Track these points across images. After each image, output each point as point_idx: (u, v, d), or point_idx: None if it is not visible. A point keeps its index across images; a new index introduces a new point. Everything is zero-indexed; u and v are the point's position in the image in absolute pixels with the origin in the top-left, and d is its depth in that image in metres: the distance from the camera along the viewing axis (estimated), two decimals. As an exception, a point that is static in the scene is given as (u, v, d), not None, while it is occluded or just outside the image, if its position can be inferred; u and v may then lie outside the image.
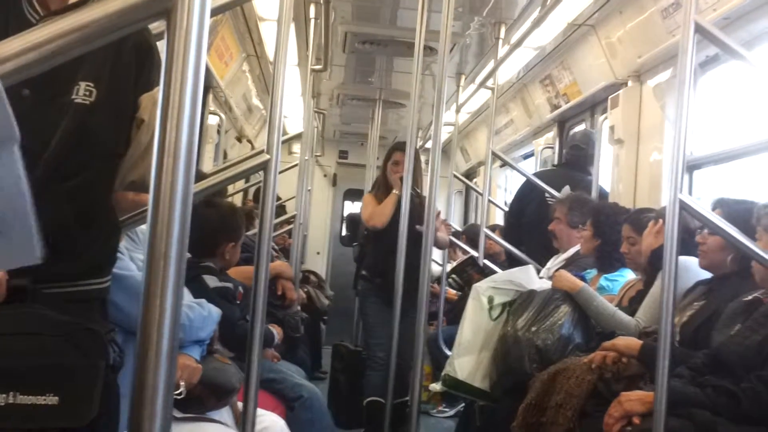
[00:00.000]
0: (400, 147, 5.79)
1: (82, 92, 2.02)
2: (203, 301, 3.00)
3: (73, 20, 1.01)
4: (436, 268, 6.43)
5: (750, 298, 3.02)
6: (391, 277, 5.00)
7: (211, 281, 3.57)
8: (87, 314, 2.07)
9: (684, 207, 2.49)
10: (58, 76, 2.03)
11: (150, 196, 1.03)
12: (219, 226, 3.71)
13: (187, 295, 3.01)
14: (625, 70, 5.49)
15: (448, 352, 5.25)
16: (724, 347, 2.91)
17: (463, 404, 5.95)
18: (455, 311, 7.18)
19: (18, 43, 0.99)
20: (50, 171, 2.00)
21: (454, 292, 7.54)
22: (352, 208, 12.61)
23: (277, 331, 3.98)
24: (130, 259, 2.69)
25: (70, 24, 1.01)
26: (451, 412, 7.04)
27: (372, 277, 5.85)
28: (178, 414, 2.82)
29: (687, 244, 3.18)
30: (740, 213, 3.22)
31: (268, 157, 2.53)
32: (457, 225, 9.56)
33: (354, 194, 12.32)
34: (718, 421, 2.68)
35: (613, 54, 5.56)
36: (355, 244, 7.20)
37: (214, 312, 3.04)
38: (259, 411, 2.87)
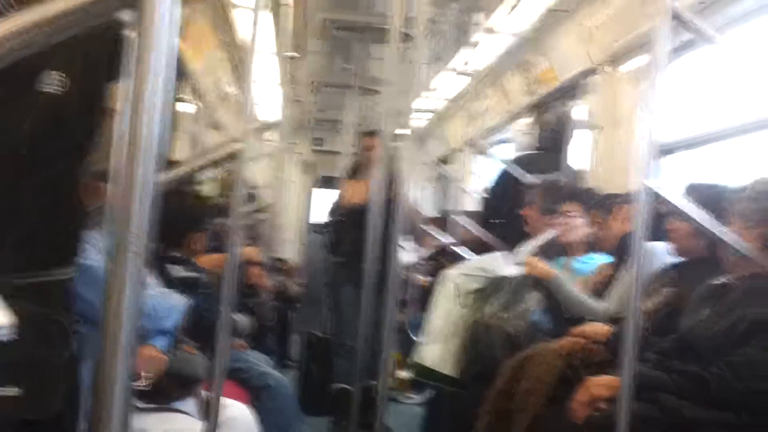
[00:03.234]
0: (370, 133, 6.11)
1: (53, 81, 1.95)
2: (168, 291, 2.94)
3: (38, 13, 0.99)
4: (408, 256, 6.33)
5: (719, 282, 2.98)
6: (356, 262, 4.98)
7: (176, 271, 3.50)
8: (51, 304, 2.02)
9: (650, 193, 2.44)
10: (27, 65, 1.96)
11: (115, 184, 1.00)
12: (184, 216, 3.65)
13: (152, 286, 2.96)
14: (601, 56, 5.45)
15: (416, 339, 5.23)
16: (693, 332, 2.88)
17: (431, 391, 5.92)
18: (426, 298, 7.14)
19: None
20: (21, 162, 1.94)
21: (424, 278, 7.49)
22: (327, 195, 12.55)
23: (245, 321, 3.92)
24: (95, 247, 2.62)
25: (35, 17, 0.99)
26: (420, 399, 6.98)
27: (346, 262, 5.80)
28: (141, 404, 2.77)
29: (656, 230, 3.14)
30: (712, 198, 3.18)
31: (240, 146, 2.51)
32: (432, 211, 9.50)
33: (329, 182, 12.25)
34: (683, 405, 2.64)
35: (591, 39, 5.51)
36: (325, 230, 7.13)
37: (180, 302, 2.98)
38: (226, 401, 2.82)
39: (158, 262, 3.31)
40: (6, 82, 1.94)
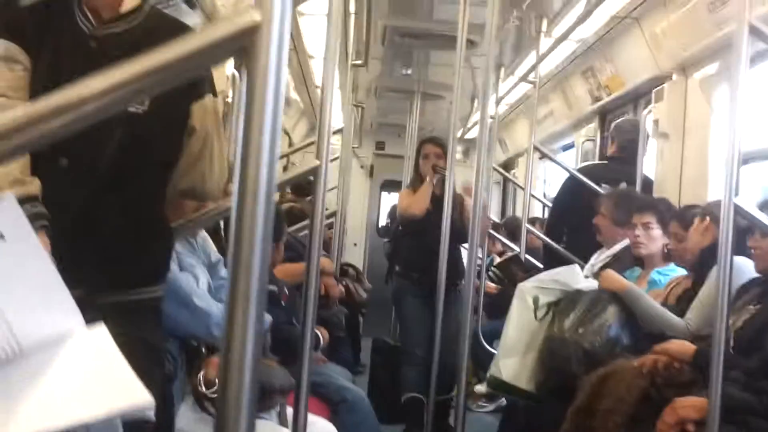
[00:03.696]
0: (428, 140, 6.03)
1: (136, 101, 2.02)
2: None
3: (152, 60, 1.03)
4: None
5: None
6: (428, 272, 5.01)
7: None
8: (141, 323, 2.08)
9: (738, 210, 2.44)
10: None
11: (232, 228, 1.02)
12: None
13: None
14: (669, 63, 5.41)
15: (489, 348, 5.25)
16: (780, 353, 2.85)
17: (503, 400, 5.92)
18: (494, 305, 7.14)
19: (101, 83, 1.01)
20: (105, 181, 2.00)
21: (494, 286, 7.49)
22: (389, 198, 12.59)
23: (321, 334, 3.95)
24: (180, 263, 2.69)
25: (149, 64, 1.03)
26: (492, 407, 7.00)
27: (408, 273, 5.82)
28: None
29: (738, 244, 3.12)
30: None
31: (318, 163, 2.53)
32: (495, 217, 9.49)
33: (391, 185, 12.28)
34: (774, 429, 2.63)
35: (658, 47, 5.48)
36: (386, 240, 7.16)
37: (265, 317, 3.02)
38: (311, 417, 2.86)
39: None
40: None
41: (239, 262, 1.02)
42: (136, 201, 2.04)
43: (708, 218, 3.86)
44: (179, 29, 2.15)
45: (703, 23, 4.78)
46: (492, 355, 5.12)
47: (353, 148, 10.40)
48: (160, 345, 2.11)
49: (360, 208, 12.45)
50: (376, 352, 6.49)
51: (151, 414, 1.11)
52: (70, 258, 1.92)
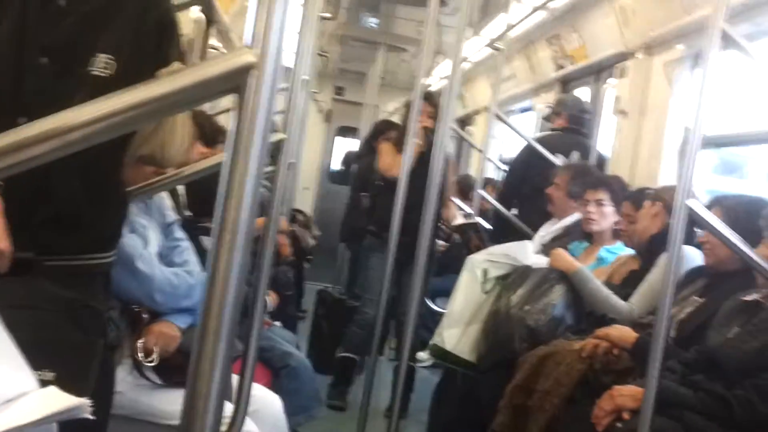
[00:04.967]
0: (426, 98, 5.42)
1: (101, 64, 1.98)
2: (196, 270, 2.94)
3: (145, 92, 1.06)
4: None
5: (749, 298, 2.99)
6: (403, 232, 4.97)
7: (209, 242, 3.48)
8: (89, 289, 2.05)
9: (691, 214, 2.47)
10: (77, 47, 1.98)
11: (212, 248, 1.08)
12: (217, 183, 3.61)
13: (192, 254, 2.97)
14: (636, 41, 5.41)
15: (432, 305, 5.29)
16: (721, 349, 2.88)
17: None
18: (441, 263, 7.17)
19: (90, 113, 1.05)
20: None
21: (441, 243, 7.51)
22: (344, 144, 12.55)
23: (271, 298, 3.93)
24: (131, 224, 2.64)
25: (143, 96, 1.06)
26: (429, 363, 7.00)
27: (381, 232, 5.69)
28: (158, 380, 2.80)
29: (687, 234, 3.15)
30: (742, 211, 3.19)
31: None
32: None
33: (348, 131, 12.24)
34: (708, 426, 2.68)
35: (626, 23, 5.48)
36: (364, 194, 7.06)
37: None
38: (256, 387, 2.85)
39: (193, 233, 3.32)
40: (62, 59, 1.97)
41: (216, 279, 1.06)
42: (93, 165, 1.98)
43: (659, 203, 3.89)
44: None
45: (673, 5, 4.79)
46: (435, 312, 5.18)
47: (312, 92, 10.34)
48: (105, 313, 2.08)
49: (314, 153, 12.39)
50: (320, 303, 6.50)
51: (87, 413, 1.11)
52: (22, 220, 1.89)
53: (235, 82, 1.06)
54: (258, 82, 1.05)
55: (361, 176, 7.32)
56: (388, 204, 5.56)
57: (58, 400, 1.10)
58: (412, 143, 4.86)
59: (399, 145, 5.54)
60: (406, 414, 5.39)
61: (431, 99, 5.55)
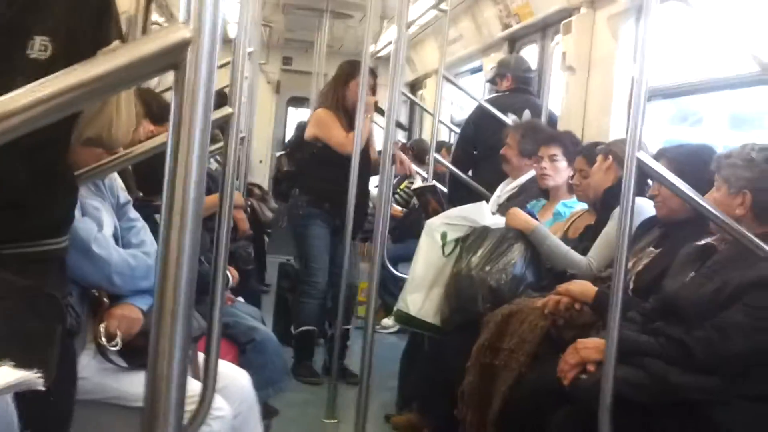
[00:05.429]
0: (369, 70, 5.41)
1: (38, 47, 1.93)
2: (153, 250, 2.92)
3: (82, 73, 1.04)
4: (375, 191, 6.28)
5: (703, 243, 3.05)
6: (339, 202, 5.02)
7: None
8: (45, 276, 2.03)
9: (641, 165, 2.50)
10: (11, 31, 1.94)
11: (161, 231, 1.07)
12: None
13: (148, 234, 2.95)
14: (579, -5, 5.45)
15: (394, 270, 5.32)
16: (677, 295, 2.93)
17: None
18: (401, 229, 7.21)
19: (27, 97, 1.02)
20: None
21: (399, 209, 7.54)
22: (296, 114, 12.51)
23: (231, 274, 3.91)
24: (83, 207, 2.62)
25: (80, 77, 1.04)
26: (396, 329, 7.05)
27: (319, 202, 5.70)
28: (123, 364, 2.79)
29: (639, 185, 3.19)
30: (687, 160, 3.25)
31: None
32: (402, 138, 9.53)
33: (298, 101, 12.19)
34: (670, 370, 2.74)
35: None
36: (281, 153, 6.99)
37: None
38: (224, 364, 2.84)
39: (146, 213, 3.29)
40: None
41: (168, 244, 1.07)
42: (38, 150, 1.95)
43: (611, 157, 3.94)
44: None
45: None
46: (397, 278, 5.22)
47: (260, 64, 10.27)
48: (63, 299, 2.07)
49: (266, 125, 12.32)
50: (282, 276, 6.51)
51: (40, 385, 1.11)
52: None
53: (173, 59, 1.04)
54: (196, 58, 1.03)
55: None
56: (325, 174, 5.60)
57: (6, 375, 1.09)
58: (367, 118, 4.90)
59: (340, 116, 5.52)
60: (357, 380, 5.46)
61: (371, 71, 5.47)
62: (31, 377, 1.10)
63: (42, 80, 1.04)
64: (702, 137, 5.90)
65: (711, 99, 5.90)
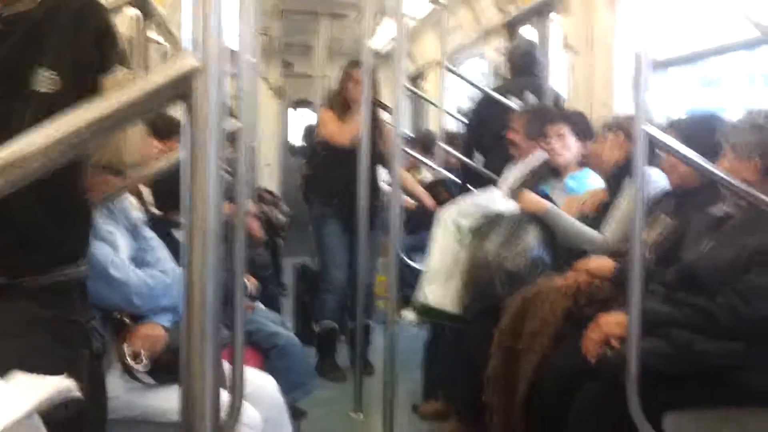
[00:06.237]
0: (353, 63, 5.75)
1: (43, 80, 1.97)
2: (171, 267, 2.95)
3: (95, 111, 1.06)
4: (386, 187, 6.28)
5: (718, 212, 3.04)
6: (348, 197, 5.06)
7: (181, 237, 3.46)
8: (67, 303, 2.06)
9: (650, 138, 2.50)
10: (17, 66, 1.97)
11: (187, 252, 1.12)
12: (178, 177, 3.58)
13: (163, 252, 2.98)
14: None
15: (411, 263, 5.32)
16: (696, 264, 2.93)
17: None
18: (414, 220, 7.20)
19: (43, 138, 1.05)
20: None
21: (412, 201, 7.52)
22: (301, 117, 12.53)
23: (250, 282, 3.92)
24: (97, 232, 2.63)
25: (93, 114, 1.06)
26: (414, 320, 7.01)
27: (329, 199, 5.78)
28: (150, 381, 2.81)
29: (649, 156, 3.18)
30: (695, 129, 3.24)
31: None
32: (408, 131, 9.52)
33: (302, 104, 12.21)
34: (694, 339, 2.73)
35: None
36: (303, 162, 7.08)
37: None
38: (250, 371, 2.86)
39: (164, 229, 3.31)
40: (4, 80, 1.96)
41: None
42: (52, 181, 1.98)
43: (621, 133, 3.93)
44: (84, 3, 2.08)
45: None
46: (413, 269, 5.21)
47: (262, 73, 10.29)
48: (87, 324, 2.09)
49: (272, 131, 12.33)
50: (300, 278, 6.52)
51: (75, 392, 1.12)
52: None
53: (182, 88, 1.06)
54: (205, 85, 1.06)
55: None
56: (332, 173, 5.71)
57: (39, 389, 1.11)
58: (366, 111, 4.91)
59: (339, 112, 5.63)
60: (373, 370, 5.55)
61: (358, 63, 5.51)
62: (66, 385, 1.12)
63: (55, 121, 1.06)
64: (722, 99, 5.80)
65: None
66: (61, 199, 2.04)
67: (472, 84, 6.44)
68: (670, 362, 2.72)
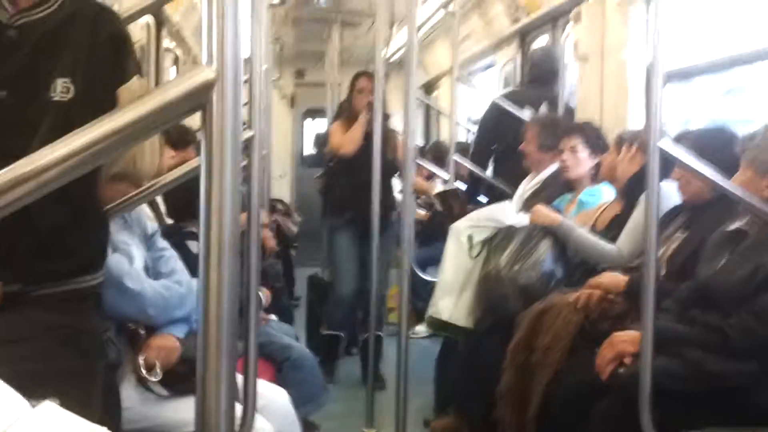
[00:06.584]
0: (363, 74, 5.86)
1: (60, 90, 1.98)
2: (185, 278, 2.95)
3: (113, 123, 1.08)
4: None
5: (733, 228, 3.01)
6: (360, 208, 5.04)
7: (195, 247, 3.47)
8: (83, 313, 2.06)
9: (663, 153, 2.48)
10: (34, 75, 1.98)
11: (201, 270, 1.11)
12: (197, 186, 3.58)
13: (177, 262, 2.97)
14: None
15: (423, 275, 5.31)
16: (711, 282, 2.91)
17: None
18: (426, 232, 7.17)
19: (61, 149, 1.07)
20: None
21: (423, 213, 7.51)
22: (313, 126, 12.54)
23: (264, 294, 3.92)
24: (112, 242, 2.63)
25: (111, 126, 1.08)
26: (426, 333, 7.00)
27: (341, 211, 5.81)
28: (165, 392, 2.80)
29: (663, 170, 3.16)
30: (709, 143, 3.21)
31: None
32: (420, 141, 9.50)
33: (314, 113, 12.21)
34: (708, 358, 2.71)
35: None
36: (317, 176, 7.12)
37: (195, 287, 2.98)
38: (262, 384, 2.85)
39: (176, 240, 3.31)
40: (21, 90, 1.96)
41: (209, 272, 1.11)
42: (68, 190, 1.99)
43: (635, 146, 3.91)
44: (99, 11, 2.09)
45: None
46: (425, 282, 5.20)
47: (273, 80, 10.29)
48: (102, 334, 2.09)
49: (284, 139, 12.34)
50: (311, 289, 6.53)
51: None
52: (6, 253, 1.89)
53: (199, 100, 1.07)
54: (221, 97, 1.07)
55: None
56: (343, 183, 5.75)
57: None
58: (378, 119, 4.91)
59: (347, 123, 5.67)
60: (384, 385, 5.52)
61: (370, 74, 5.59)
62: None
63: (75, 132, 1.08)
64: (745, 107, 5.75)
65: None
66: (79, 210, 2.05)
67: (482, 93, 6.43)
68: (682, 381, 2.70)
